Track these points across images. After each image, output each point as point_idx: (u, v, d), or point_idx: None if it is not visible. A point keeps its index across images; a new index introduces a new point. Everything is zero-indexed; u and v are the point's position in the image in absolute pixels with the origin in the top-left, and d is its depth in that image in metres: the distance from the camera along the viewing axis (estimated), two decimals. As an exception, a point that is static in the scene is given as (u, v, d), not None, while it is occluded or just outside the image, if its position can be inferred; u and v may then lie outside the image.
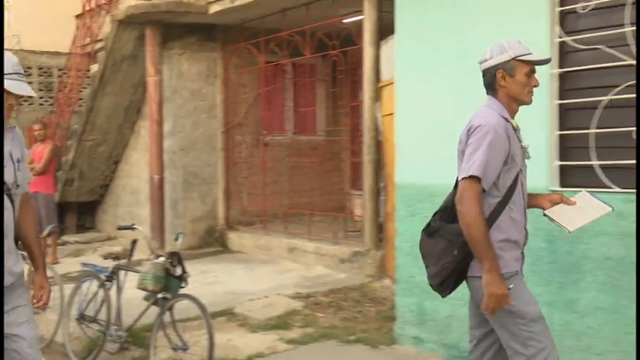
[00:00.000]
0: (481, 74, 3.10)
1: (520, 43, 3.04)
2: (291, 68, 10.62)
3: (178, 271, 4.62)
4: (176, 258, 4.64)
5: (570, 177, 4.16)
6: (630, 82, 3.79)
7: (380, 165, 7.60)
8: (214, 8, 8.85)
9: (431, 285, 3.15)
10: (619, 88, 3.83)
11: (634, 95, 3.74)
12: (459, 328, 4.69)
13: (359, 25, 7.83)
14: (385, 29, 6.86)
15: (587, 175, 4.05)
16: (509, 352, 3.01)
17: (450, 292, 3.12)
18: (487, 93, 3.12)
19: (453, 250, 3.00)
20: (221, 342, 4.94)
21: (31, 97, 3.55)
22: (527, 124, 4.14)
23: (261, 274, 7.94)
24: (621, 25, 3.84)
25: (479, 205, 2.87)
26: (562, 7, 4.12)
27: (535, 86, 3.08)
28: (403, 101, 5.04)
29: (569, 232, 3.12)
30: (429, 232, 3.11)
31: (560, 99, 4.14)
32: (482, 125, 2.96)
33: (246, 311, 6.22)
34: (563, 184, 4.15)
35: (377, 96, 7.54)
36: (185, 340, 4.57)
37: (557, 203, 3.25)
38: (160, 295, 4.59)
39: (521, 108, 4.24)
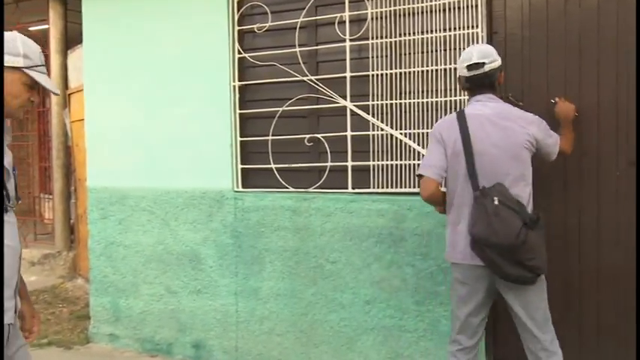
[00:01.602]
0: (483, 73, 3.20)
1: None
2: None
3: None
4: None
5: (252, 179, 4.61)
6: (301, 96, 4.35)
7: (70, 169, 7.58)
8: None
9: (538, 275, 3.05)
10: (291, 101, 4.36)
11: (304, 107, 4.32)
12: (153, 323, 4.91)
13: (46, 33, 7.68)
14: (75, 38, 6.81)
15: (267, 177, 4.51)
16: (540, 315, 3.15)
17: None
18: (485, 92, 3.24)
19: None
20: None
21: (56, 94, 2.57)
22: (214, 131, 4.53)
23: None
24: (292, 46, 4.37)
25: None
26: (240, 26, 4.55)
27: None
28: (92, 108, 5.06)
29: None
30: (531, 225, 2.98)
31: (241, 109, 4.56)
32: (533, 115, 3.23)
33: None
34: (245, 186, 4.58)
35: (65, 103, 7.52)
36: None
37: None
38: None
39: (208, 117, 4.61)
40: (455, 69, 3.88)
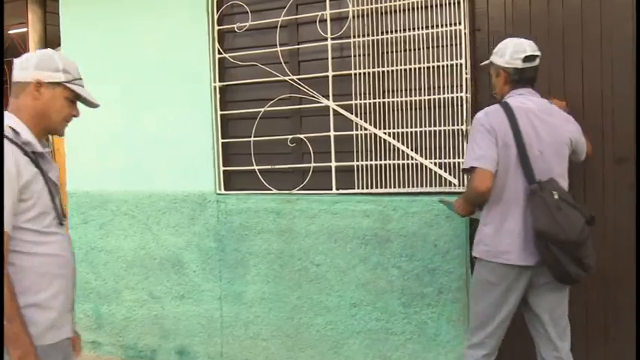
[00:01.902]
0: (534, 66, 3.13)
1: None
2: None
3: None
4: None
5: (235, 181, 4.54)
6: (283, 96, 4.28)
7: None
8: None
9: (587, 274, 2.96)
10: (273, 101, 4.29)
11: (286, 107, 4.25)
12: (136, 329, 4.82)
13: (24, 36, 7.60)
14: (54, 41, 6.72)
15: (249, 179, 4.44)
16: (564, 322, 3.11)
17: None
18: (528, 86, 3.14)
19: None
20: None
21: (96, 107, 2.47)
22: (195, 133, 4.45)
23: None
24: (274, 46, 4.30)
25: None
26: (220, 26, 4.47)
27: None
28: (72, 110, 4.95)
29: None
30: (590, 221, 2.92)
31: (222, 110, 4.49)
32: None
33: None
34: (228, 188, 4.51)
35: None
36: None
37: None
38: None
39: (189, 119, 4.53)
40: (440, 67, 3.83)
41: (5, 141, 2.11)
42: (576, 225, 2.85)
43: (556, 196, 2.89)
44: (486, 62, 3.29)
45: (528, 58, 3.08)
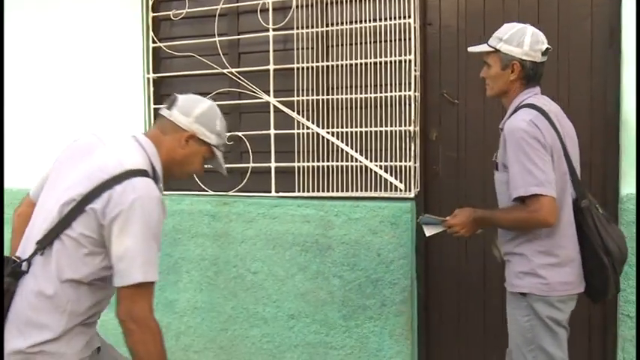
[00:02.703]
0: (544, 62, 2.64)
1: None
2: None
3: None
4: None
5: (173, 182, 4.21)
6: (221, 90, 3.99)
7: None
8: None
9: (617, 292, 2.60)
10: (210, 95, 3.97)
11: (224, 102, 3.93)
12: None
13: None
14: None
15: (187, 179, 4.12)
16: None
17: None
18: (537, 84, 2.65)
19: None
20: None
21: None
22: (126, 129, 4.12)
23: None
24: (212, 35, 3.99)
25: None
26: (155, 13, 4.14)
27: None
28: (-6, 100, 4.61)
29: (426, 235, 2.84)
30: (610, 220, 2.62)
31: (156, 104, 4.16)
32: None
33: None
34: (167, 189, 4.19)
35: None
36: None
37: None
38: None
39: (121, 112, 4.20)
40: (388, 62, 3.58)
41: (148, 179, 2.00)
42: (624, 240, 2.54)
43: (601, 210, 2.57)
44: (483, 49, 2.66)
45: (546, 52, 2.59)
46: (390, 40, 3.58)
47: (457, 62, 3.53)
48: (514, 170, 2.44)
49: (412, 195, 3.56)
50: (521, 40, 2.56)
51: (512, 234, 2.58)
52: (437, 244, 3.61)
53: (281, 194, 3.86)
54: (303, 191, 3.81)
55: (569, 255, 2.52)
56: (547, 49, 2.58)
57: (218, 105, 2.23)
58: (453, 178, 3.62)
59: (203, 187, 4.06)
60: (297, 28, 3.78)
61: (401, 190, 3.59)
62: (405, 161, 3.58)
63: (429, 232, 2.78)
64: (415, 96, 3.55)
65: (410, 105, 3.56)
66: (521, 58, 2.56)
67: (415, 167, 3.58)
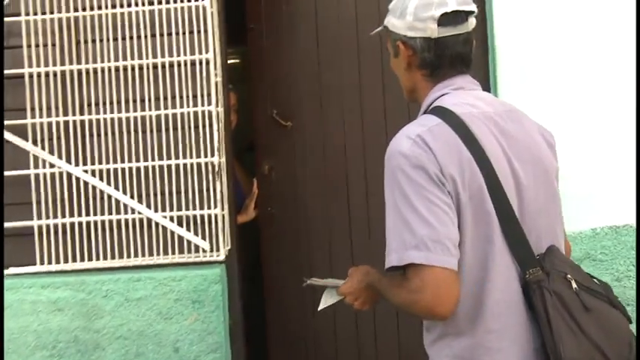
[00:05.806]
0: (464, 36, 1.58)
1: None
2: None
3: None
4: None
5: None
6: None
7: None
8: None
9: None
10: None
11: None
12: None
13: None
14: None
15: None
16: None
17: None
18: (464, 71, 1.61)
19: None
20: None
21: None
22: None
23: None
24: None
25: None
26: None
27: None
28: None
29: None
30: (611, 301, 1.59)
31: None
32: None
33: None
34: None
35: None
36: None
37: None
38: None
39: None
40: (173, 64, 2.57)
41: None
42: (621, 338, 1.58)
43: (574, 285, 1.55)
44: (379, 29, 1.74)
45: (448, 19, 1.58)
46: (178, 33, 2.58)
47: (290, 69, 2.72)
48: (388, 221, 1.49)
49: (221, 257, 2.58)
50: (405, 6, 1.59)
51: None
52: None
53: (13, 271, 2.57)
54: (50, 263, 2.61)
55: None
56: (447, 13, 1.54)
57: None
58: (293, 221, 2.99)
59: None
60: (28, 14, 2.57)
61: (204, 251, 2.56)
62: (208, 208, 2.55)
63: (322, 303, 1.79)
64: (217, 112, 2.57)
65: (210, 126, 2.56)
66: (405, 35, 1.58)
67: (223, 215, 2.55)
